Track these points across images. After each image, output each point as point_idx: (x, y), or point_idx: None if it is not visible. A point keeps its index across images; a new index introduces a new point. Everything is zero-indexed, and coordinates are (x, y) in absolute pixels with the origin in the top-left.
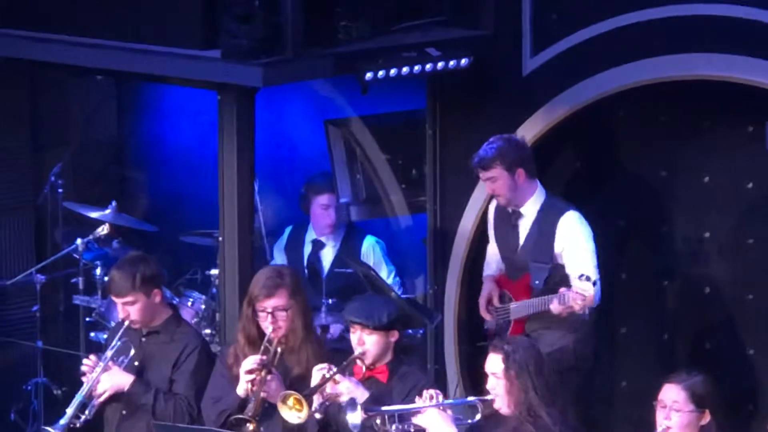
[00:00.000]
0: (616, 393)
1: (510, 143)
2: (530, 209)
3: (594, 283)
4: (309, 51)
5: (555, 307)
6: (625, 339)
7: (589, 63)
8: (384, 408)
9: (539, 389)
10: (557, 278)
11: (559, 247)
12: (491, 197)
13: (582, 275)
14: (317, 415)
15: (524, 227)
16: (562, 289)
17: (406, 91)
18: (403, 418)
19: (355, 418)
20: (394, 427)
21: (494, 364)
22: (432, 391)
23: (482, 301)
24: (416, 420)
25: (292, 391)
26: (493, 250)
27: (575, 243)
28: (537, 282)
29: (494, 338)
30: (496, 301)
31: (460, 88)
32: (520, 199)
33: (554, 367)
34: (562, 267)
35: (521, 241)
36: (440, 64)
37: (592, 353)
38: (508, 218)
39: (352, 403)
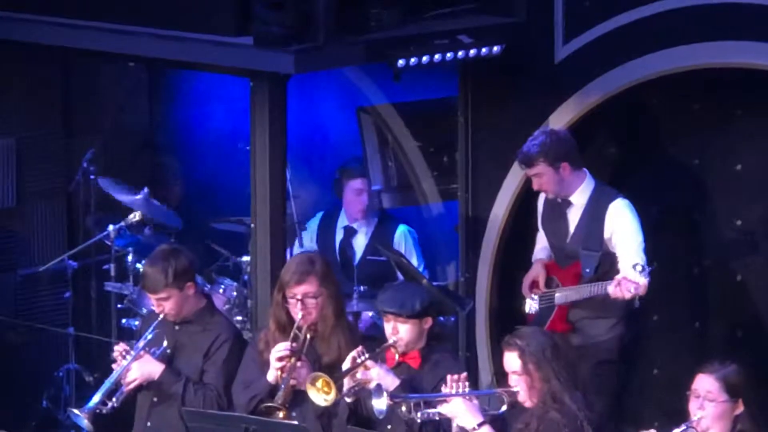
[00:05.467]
0: (648, 380)
1: (553, 137)
2: (580, 198)
3: (645, 273)
4: (341, 38)
5: (612, 290)
6: (656, 326)
7: (621, 50)
8: (410, 395)
9: (560, 375)
10: (607, 266)
11: (607, 232)
12: (527, 186)
13: (636, 264)
14: (347, 400)
15: (574, 216)
16: (618, 277)
17: (438, 78)
18: (429, 405)
19: (380, 404)
20: (419, 414)
21: (511, 361)
22: (458, 378)
23: (527, 281)
24: (441, 409)
25: (322, 373)
26: (542, 236)
27: (624, 229)
28: (588, 270)
29: (533, 323)
30: (542, 285)
31: (491, 75)
32: (567, 190)
33: (595, 359)
34: (612, 255)
35: (571, 229)
36: (472, 52)
37: (636, 346)
38: (557, 207)
39: (378, 389)
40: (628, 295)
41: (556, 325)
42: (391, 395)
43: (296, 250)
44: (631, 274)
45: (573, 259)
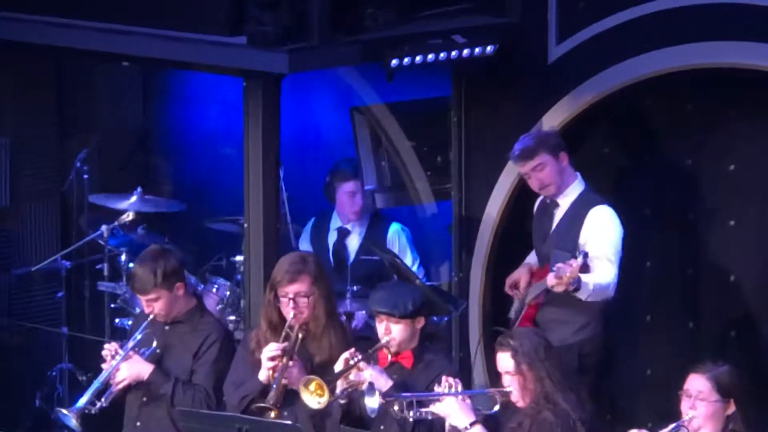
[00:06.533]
0: (641, 380)
1: (546, 131)
2: (566, 200)
3: (584, 256)
4: (335, 38)
5: (550, 278)
6: (650, 327)
7: (614, 50)
8: (402, 394)
9: (553, 375)
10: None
11: (584, 237)
12: (521, 186)
13: (581, 251)
14: (341, 401)
15: (558, 217)
16: (559, 264)
17: (432, 78)
18: (422, 405)
19: (372, 402)
20: (412, 413)
21: (504, 362)
22: (451, 380)
23: (508, 280)
24: (434, 408)
25: (315, 376)
26: None
27: (599, 235)
28: (555, 269)
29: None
30: (522, 287)
31: (485, 75)
32: (566, 183)
33: None
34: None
35: (552, 229)
36: (466, 51)
37: (601, 355)
38: (547, 209)
39: (370, 388)
40: (565, 278)
41: (524, 325)
42: (384, 394)
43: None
44: (571, 260)
45: (548, 259)
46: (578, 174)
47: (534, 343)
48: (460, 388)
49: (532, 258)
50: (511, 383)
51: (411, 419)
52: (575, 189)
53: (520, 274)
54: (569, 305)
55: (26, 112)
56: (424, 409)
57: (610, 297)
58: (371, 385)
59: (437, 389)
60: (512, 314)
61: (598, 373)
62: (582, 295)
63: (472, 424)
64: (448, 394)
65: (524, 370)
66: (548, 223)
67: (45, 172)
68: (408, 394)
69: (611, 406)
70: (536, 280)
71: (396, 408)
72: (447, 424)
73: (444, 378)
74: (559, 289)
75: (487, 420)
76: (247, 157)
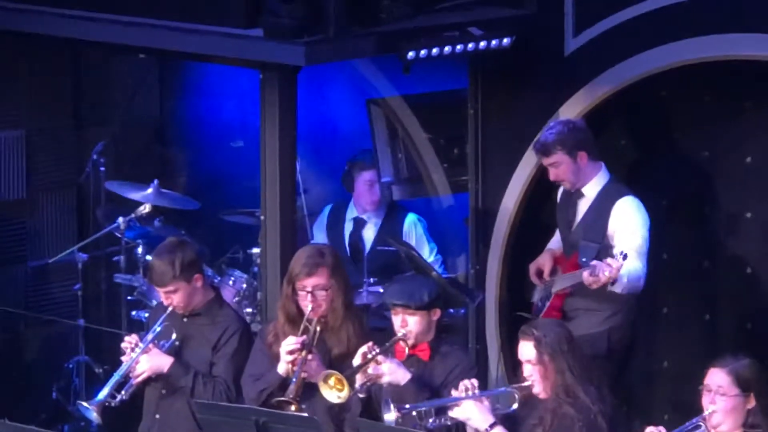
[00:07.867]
0: (658, 373)
1: (570, 127)
2: (591, 190)
3: (624, 257)
4: (351, 30)
5: (585, 276)
6: (666, 319)
7: (631, 43)
8: (419, 405)
9: (575, 369)
10: (605, 258)
11: (611, 228)
12: (538, 178)
13: (621, 252)
14: (360, 395)
15: (583, 207)
16: (594, 262)
17: (448, 70)
18: (440, 411)
19: (389, 417)
20: (431, 420)
21: (527, 351)
22: (468, 383)
23: (532, 268)
24: (453, 413)
25: (334, 371)
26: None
27: (627, 226)
28: (584, 259)
29: (535, 312)
30: (546, 275)
31: (502, 67)
32: (583, 180)
33: (586, 352)
34: (612, 248)
35: (578, 219)
36: (482, 44)
37: (629, 341)
38: (570, 197)
39: (386, 404)
40: (603, 278)
41: (550, 314)
42: (399, 408)
43: (317, 240)
44: (609, 259)
45: (575, 249)
46: (602, 164)
47: (558, 334)
48: (477, 390)
49: (553, 243)
50: (531, 373)
51: (430, 426)
52: (600, 180)
53: (543, 261)
54: (596, 294)
55: (42, 104)
56: (442, 416)
57: (641, 288)
58: (387, 401)
59: (455, 393)
60: (535, 298)
61: (620, 364)
62: (617, 289)
63: (492, 426)
64: (466, 398)
65: (546, 361)
66: (572, 212)
67: (61, 164)
68: (425, 403)
69: (628, 398)
70: (561, 267)
71: (414, 414)
72: (469, 429)
73: (461, 382)
74: (595, 286)
75: (506, 418)
76: (264, 150)
